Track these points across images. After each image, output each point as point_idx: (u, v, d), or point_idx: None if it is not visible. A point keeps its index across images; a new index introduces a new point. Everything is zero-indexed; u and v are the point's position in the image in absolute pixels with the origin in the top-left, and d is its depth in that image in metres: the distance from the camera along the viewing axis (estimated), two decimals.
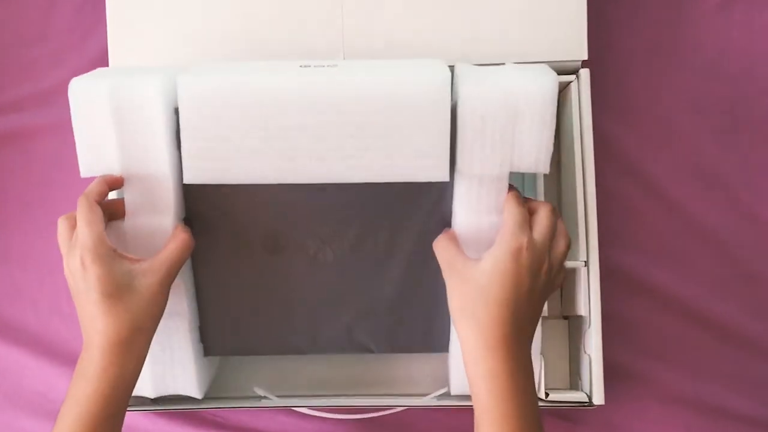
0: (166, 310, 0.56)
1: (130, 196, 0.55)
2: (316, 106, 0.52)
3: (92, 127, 0.53)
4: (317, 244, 0.60)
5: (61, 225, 0.54)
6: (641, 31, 0.74)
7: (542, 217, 0.53)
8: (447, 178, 0.54)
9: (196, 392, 0.62)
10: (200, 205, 0.58)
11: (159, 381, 0.61)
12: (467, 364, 0.52)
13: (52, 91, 0.76)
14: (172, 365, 0.61)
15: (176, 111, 0.53)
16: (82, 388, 0.51)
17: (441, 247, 0.55)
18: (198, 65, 0.54)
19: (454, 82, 0.53)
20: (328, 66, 0.54)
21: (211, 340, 0.63)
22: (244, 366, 0.70)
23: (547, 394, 0.63)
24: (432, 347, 0.63)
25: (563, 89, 0.65)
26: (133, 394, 0.55)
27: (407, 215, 0.59)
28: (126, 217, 0.56)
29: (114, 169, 0.54)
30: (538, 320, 0.55)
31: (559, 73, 0.63)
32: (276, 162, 0.53)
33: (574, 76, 0.64)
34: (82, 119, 0.53)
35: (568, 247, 0.55)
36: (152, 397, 0.62)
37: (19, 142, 0.75)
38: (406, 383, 0.70)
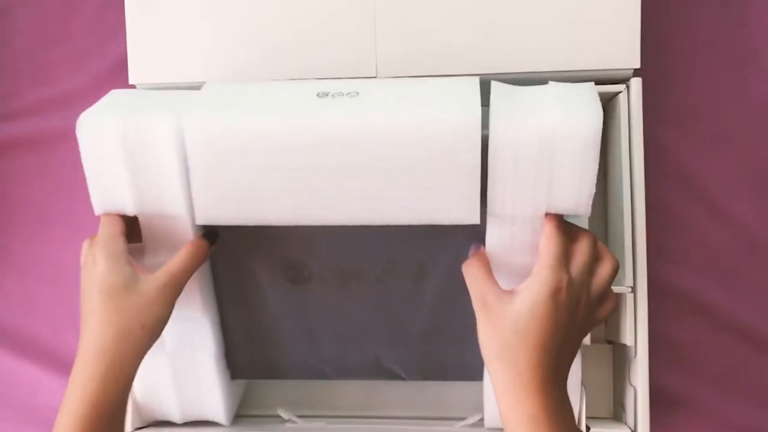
0: (190, 342, 0.54)
1: (147, 235, 0.53)
2: (333, 147, 0.48)
3: (103, 165, 0.51)
4: (342, 277, 0.57)
5: (87, 243, 0.53)
6: (696, 32, 0.68)
7: (582, 250, 0.49)
8: (477, 221, 0.50)
9: (223, 419, 0.61)
10: (221, 238, 0.55)
11: (186, 408, 0.60)
12: (502, 408, 0.49)
13: (71, 95, 0.73)
14: (199, 395, 0.59)
15: None
16: (72, 393, 0.49)
17: (471, 275, 0.51)
18: (209, 94, 0.51)
19: (488, 108, 0.48)
20: (348, 94, 0.49)
21: (238, 365, 0.62)
22: (269, 384, 0.68)
23: (588, 428, 0.59)
24: (466, 375, 0.60)
25: (612, 99, 0.60)
26: (160, 419, 0.53)
27: (437, 248, 0.55)
28: (144, 257, 0.54)
29: (128, 208, 0.52)
30: (575, 355, 0.51)
31: (608, 81, 0.58)
32: (291, 204, 0.50)
33: (623, 86, 0.58)
34: (92, 156, 0.51)
35: (613, 275, 0.50)
36: (179, 422, 0.61)
37: (39, 148, 0.73)
38: (439, 406, 0.67)
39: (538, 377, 0.47)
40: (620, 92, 0.58)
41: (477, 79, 0.50)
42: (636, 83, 0.57)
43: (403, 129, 0.47)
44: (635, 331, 0.58)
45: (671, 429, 0.66)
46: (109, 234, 0.51)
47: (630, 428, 0.60)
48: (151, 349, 0.52)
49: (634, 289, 0.58)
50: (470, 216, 0.49)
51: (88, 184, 0.52)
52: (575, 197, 0.48)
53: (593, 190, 0.48)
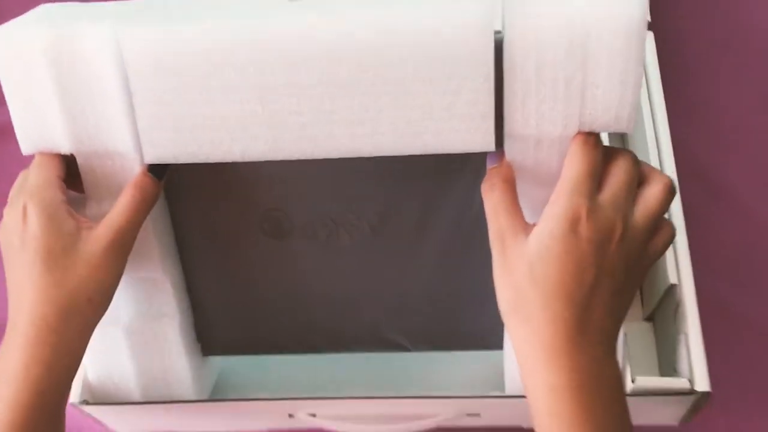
0: (149, 309, 0.45)
1: (87, 179, 0.43)
2: (309, 58, 0.38)
3: (29, 91, 0.41)
4: (329, 227, 0.47)
5: (15, 187, 0.43)
6: (708, 23, 0.66)
7: (617, 170, 0.39)
8: (492, 147, 0.40)
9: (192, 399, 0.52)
10: (180, 181, 0.46)
11: (149, 387, 0.51)
12: (522, 373, 0.39)
13: None
14: (164, 372, 0.50)
15: None
16: (12, 379, 0.40)
17: (491, 202, 0.40)
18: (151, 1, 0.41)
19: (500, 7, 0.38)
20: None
21: (210, 339, 0.52)
22: (252, 365, 0.58)
23: (633, 380, 0.48)
24: (482, 344, 0.51)
25: None
26: (117, 401, 0.46)
27: (444, 185, 0.45)
28: (86, 206, 0.44)
29: (62, 145, 0.42)
30: (625, 306, 0.40)
31: None
32: (261, 134, 0.40)
33: None
34: (14, 80, 0.41)
35: (665, 197, 0.39)
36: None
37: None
38: (451, 385, 0.56)
39: (559, 337, 0.37)
40: None
41: None
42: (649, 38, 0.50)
43: (397, 31, 0.37)
44: (677, 268, 0.50)
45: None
46: (43, 180, 0.41)
47: (687, 378, 0.48)
48: (104, 320, 0.42)
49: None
50: (483, 141, 0.39)
51: (12, 117, 0.42)
52: (615, 108, 0.38)
53: (638, 97, 0.38)
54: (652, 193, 0.39)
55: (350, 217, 0.46)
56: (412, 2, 0.38)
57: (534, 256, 0.37)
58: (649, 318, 0.55)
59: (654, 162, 0.54)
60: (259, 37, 0.38)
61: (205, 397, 0.53)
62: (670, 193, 0.39)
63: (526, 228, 0.39)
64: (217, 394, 0.55)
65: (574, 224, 0.37)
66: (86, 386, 0.50)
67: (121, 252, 0.42)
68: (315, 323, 0.51)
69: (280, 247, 0.48)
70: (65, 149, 0.42)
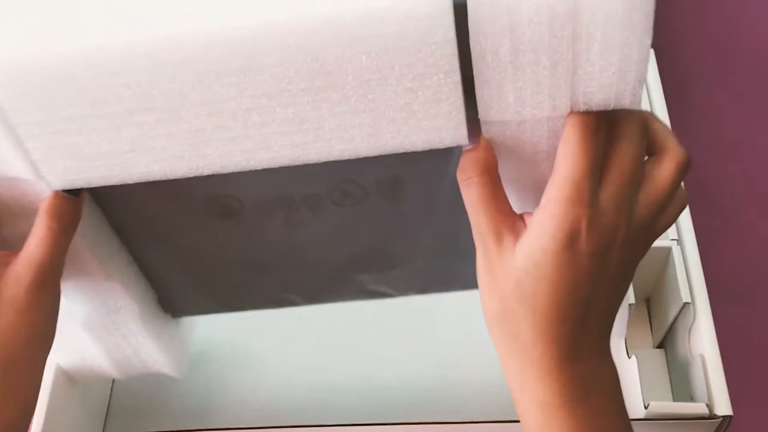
0: (105, 306, 0.41)
1: None
2: (226, 69, 0.29)
3: None
4: (287, 204, 0.41)
5: None
6: (708, 35, 0.64)
7: (622, 150, 0.32)
8: (466, 141, 0.33)
9: (172, 370, 0.49)
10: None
11: (125, 367, 0.48)
12: (510, 385, 0.36)
13: None
14: (135, 353, 0.47)
15: None
16: None
17: (468, 194, 0.34)
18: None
19: None
20: None
21: (178, 307, 0.48)
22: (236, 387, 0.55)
23: (646, 406, 0.45)
24: (474, 283, 0.47)
25: None
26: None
27: (413, 161, 0.38)
28: (1, 227, 0.38)
29: None
30: (616, 311, 0.36)
31: None
32: (185, 153, 0.33)
33: None
34: None
35: (682, 173, 0.33)
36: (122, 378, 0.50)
37: None
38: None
39: (550, 354, 0.33)
40: None
41: None
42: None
43: (329, 21, 0.28)
44: (690, 286, 0.45)
45: None
46: None
47: (704, 402, 0.45)
48: (60, 317, 0.38)
49: (680, 241, 0.45)
50: (453, 137, 0.32)
51: None
52: (615, 84, 0.30)
53: (644, 70, 0.30)
54: (662, 175, 0.32)
55: (307, 194, 0.40)
56: None
57: (522, 272, 0.32)
58: (660, 345, 0.51)
59: None
60: (156, 48, 0.29)
61: (184, 360, 0.51)
62: (683, 172, 0.33)
63: (514, 227, 0.33)
64: (197, 365, 0.53)
65: (571, 239, 0.31)
66: (59, 373, 0.48)
67: (48, 287, 0.36)
68: (287, 283, 0.47)
69: (234, 226, 0.42)
70: None
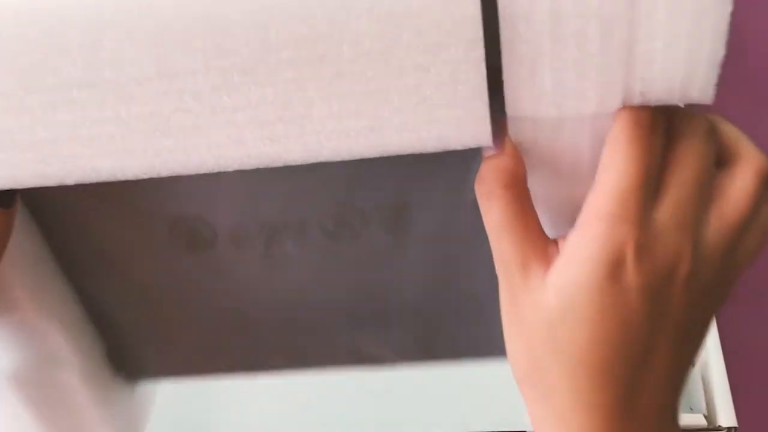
0: (40, 356, 0.34)
1: None
2: (194, 34, 0.23)
3: None
4: (267, 234, 0.33)
5: None
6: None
7: (683, 157, 0.25)
8: (489, 141, 0.26)
9: None
10: (50, 195, 0.32)
11: None
12: None
13: None
14: (75, 424, 0.38)
15: None
16: None
17: (490, 220, 0.27)
18: None
19: None
20: None
21: (133, 365, 0.40)
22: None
23: None
24: (484, 351, 0.39)
25: None
26: None
27: (424, 168, 0.31)
28: None
29: None
30: (686, 371, 0.27)
31: None
32: (139, 144, 0.26)
33: None
34: None
35: (759, 183, 0.25)
36: None
37: None
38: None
39: (592, 425, 0.25)
40: None
41: None
42: None
43: None
44: None
45: None
46: None
47: (703, 413, 0.40)
48: None
49: None
50: (473, 135, 0.25)
51: None
52: (682, 69, 0.23)
53: (721, 45, 0.23)
54: (738, 188, 0.25)
55: (294, 221, 0.33)
56: None
57: (554, 313, 0.25)
58: None
59: None
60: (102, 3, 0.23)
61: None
62: (766, 183, 0.25)
63: (545, 255, 0.26)
64: None
65: (615, 268, 0.24)
66: None
67: None
68: (267, 339, 0.39)
69: (202, 261, 0.35)
70: None
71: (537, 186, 0.27)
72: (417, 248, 0.34)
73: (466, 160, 0.30)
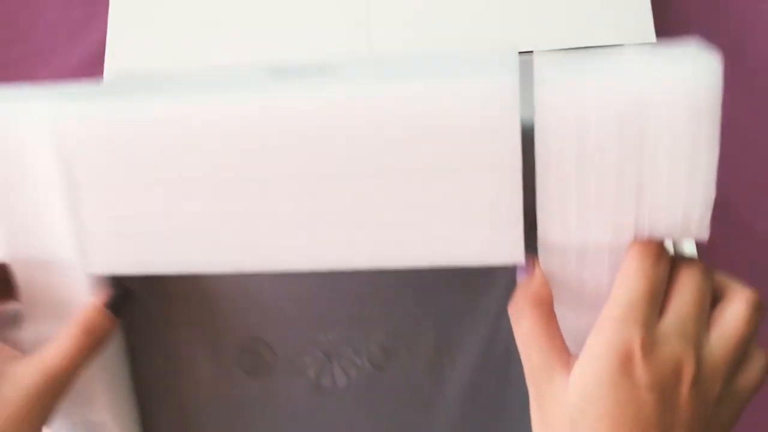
0: None
1: (24, 292, 0.35)
2: (284, 146, 0.30)
3: None
4: (319, 362, 0.37)
5: None
6: (714, 37, 0.61)
7: (684, 283, 0.29)
8: (521, 259, 0.31)
9: None
10: (137, 304, 0.37)
11: None
12: None
13: None
14: None
15: None
16: None
17: (521, 335, 0.30)
18: (108, 82, 0.35)
19: (529, 83, 0.29)
20: (317, 71, 0.31)
21: None
22: None
23: None
24: None
25: None
26: None
27: (466, 308, 0.35)
28: (22, 326, 0.36)
29: None
30: None
31: None
32: (236, 241, 0.32)
33: None
34: None
35: (756, 312, 0.29)
36: None
37: None
38: None
39: None
40: None
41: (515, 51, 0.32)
42: None
43: (390, 111, 0.29)
44: None
45: None
46: None
47: None
48: None
49: None
50: (509, 253, 0.30)
51: None
52: (682, 207, 0.28)
53: (712, 191, 0.28)
54: (732, 313, 0.29)
55: (347, 351, 0.37)
56: (410, 72, 0.29)
57: (576, 411, 0.27)
58: None
59: None
60: (229, 115, 0.30)
61: None
62: (757, 311, 0.29)
63: (567, 364, 0.29)
64: None
65: (626, 364, 0.27)
66: None
67: (48, 400, 0.33)
68: None
69: (258, 388, 0.38)
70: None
71: (564, 318, 0.31)
72: (454, 387, 0.37)
73: (498, 306, 0.35)
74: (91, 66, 0.62)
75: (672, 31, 0.58)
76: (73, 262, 0.34)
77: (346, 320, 0.36)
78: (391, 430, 0.38)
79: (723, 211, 0.57)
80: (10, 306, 0.36)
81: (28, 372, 0.33)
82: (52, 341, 0.33)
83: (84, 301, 0.34)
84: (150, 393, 0.39)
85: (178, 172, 0.31)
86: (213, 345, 0.37)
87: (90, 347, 0.34)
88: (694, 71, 0.27)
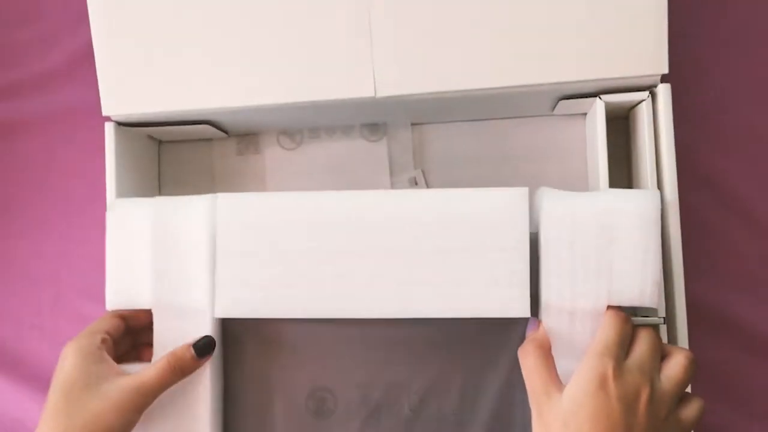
0: None
1: (159, 332, 0.48)
2: (370, 229, 0.46)
3: (127, 252, 0.49)
4: (370, 409, 0.49)
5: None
6: (717, 26, 0.61)
7: (643, 339, 0.44)
8: (528, 314, 0.45)
9: None
10: (237, 348, 0.50)
11: None
12: None
13: (43, 78, 0.66)
14: None
15: None
16: None
17: (527, 366, 0.44)
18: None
19: (535, 203, 0.47)
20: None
21: None
22: None
23: None
24: None
25: (635, 106, 0.54)
26: None
27: (486, 366, 0.48)
28: (153, 358, 0.48)
29: (143, 300, 0.48)
30: None
31: (627, 89, 0.52)
32: (323, 292, 0.46)
33: (646, 93, 0.52)
34: (117, 242, 0.49)
35: (687, 368, 0.43)
36: None
37: (7, 136, 0.66)
38: None
39: None
40: (643, 101, 0.52)
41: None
42: (664, 90, 0.51)
43: (444, 205, 0.46)
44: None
45: None
46: (88, 330, 0.47)
47: None
48: None
49: (667, 320, 0.50)
50: (519, 307, 0.45)
51: (107, 275, 0.49)
52: (639, 285, 0.44)
53: (659, 276, 0.44)
54: (675, 362, 0.43)
55: (390, 398, 0.49)
56: (460, 194, 0.46)
57: (568, 414, 0.41)
58: None
59: (653, 168, 0.52)
60: (329, 212, 0.46)
61: None
62: (693, 363, 0.43)
63: (560, 388, 0.42)
64: None
65: (603, 382, 0.40)
66: None
67: (137, 401, 0.45)
68: None
69: (319, 428, 0.49)
70: (145, 303, 0.48)
71: (556, 354, 0.44)
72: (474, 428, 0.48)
73: (511, 366, 0.47)
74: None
75: (676, 28, 0.54)
76: (201, 308, 0.47)
77: (393, 375, 0.49)
78: None
79: (725, 199, 0.60)
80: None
81: (127, 380, 0.45)
82: (149, 366, 0.46)
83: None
84: (234, 418, 0.50)
85: (291, 245, 0.46)
86: (290, 388, 0.49)
87: (175, 375, 0.46)
88: (645, 194, 0.44)
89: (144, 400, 0.45)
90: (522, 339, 0.46)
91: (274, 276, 0.46)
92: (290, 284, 0.46)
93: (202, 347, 0.47)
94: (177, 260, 0.47)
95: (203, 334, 0.47)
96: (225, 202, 0.47)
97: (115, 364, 0.46)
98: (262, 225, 0.47)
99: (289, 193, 0.47)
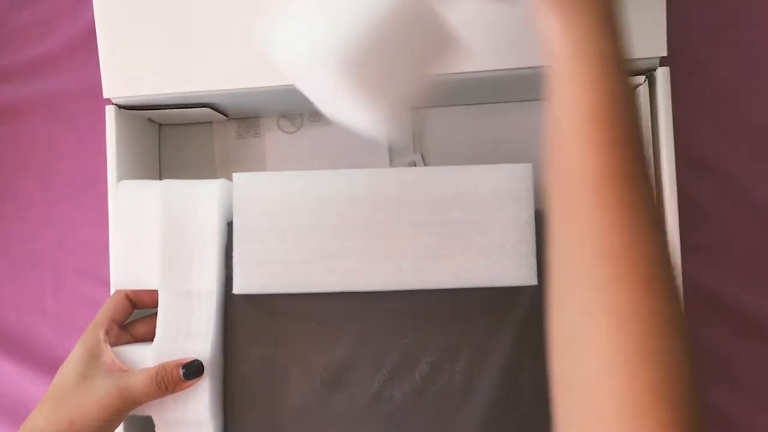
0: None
1: (163, 315, 0.48)
2: (383, 204, 0.47)
3: (134, 233, 0.49)
4: (383, 379, 0.49)
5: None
6: (717, 11, 0.61)
7: None
8: (535, 281, 0.47)
9: None
10: (249, 326, 0.50)
11: None
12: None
13: (41, 61, 0.65)
14: None
15: (229, 225, 0.49)
16: None
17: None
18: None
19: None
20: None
21: None
22: None
23: None
24: None
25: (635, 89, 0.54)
26: None
27: (493, 330, 0.49)
28: (155, 339, 0.48)
29: (150, 280, 0.48)
30: None
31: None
32: (338, 266, 0.47)
33: (642, 77, 0.52)
34: (123, 223, 0.49)
35: None
36: None
37: (6, 119, 0.66)
38: None
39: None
40: (639, 85, 0.52)
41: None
42: (663, 74, 0.50)
43: (455, 179, 0.48)
44: None
45: None
46: (93, 323, 0.48)
47: None
48: None
49: None
50: (527, 275, 0.47)
51: (111, 254, 0.49)
52: None
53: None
54: None
55: (405, 369, 0.49)
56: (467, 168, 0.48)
57: None
58: None
59: (650, 153, 0.53)
60: (344, 186, 0.48)
61: None
62: None
63: None
64: None
65: None
66: None
67: (117, 407, 0.45)
68: None
69: (330, 399, 0.49)
70: (152, 284, 0.48)
71: None
72: (480, 394, 0.49)
73: (516, 334, 0.48)
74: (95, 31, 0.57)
75: (676, 14, 0.54)
76: (213, 288, 0.48)
77: (405, 346, 0.49)
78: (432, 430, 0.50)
79: (720, 180, 0.60)
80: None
81: (118, 381, 0.45)
82: (139, 372, 0.46)
83: (210, 331, 0.48)
84: (240, 395, 0.50)
85: (306, 221, 0.47)
86: (305, 361, 0.49)
87: (160, 391, 0.46)
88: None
89: (126, 406, 0.46)
90: (528, 307, 0.48)
91: (289, 252, 0.47)
92: (306, 260, 0.47)
93: (192, 370, 0.47)
94: (186, 242, 0.48)
95: (209, 323, 0.48)
96: (241, 181, 0.48)
97: (115, 359, 0.47)
98: (277, 203, 0.48)
99: (303, 171, 0.49)
